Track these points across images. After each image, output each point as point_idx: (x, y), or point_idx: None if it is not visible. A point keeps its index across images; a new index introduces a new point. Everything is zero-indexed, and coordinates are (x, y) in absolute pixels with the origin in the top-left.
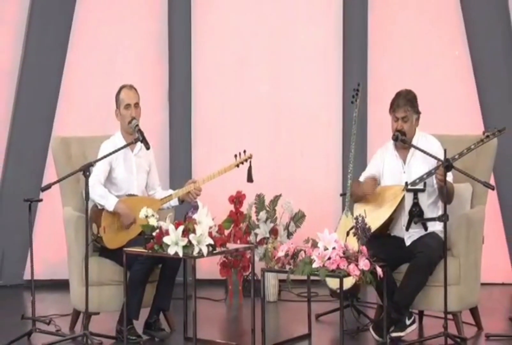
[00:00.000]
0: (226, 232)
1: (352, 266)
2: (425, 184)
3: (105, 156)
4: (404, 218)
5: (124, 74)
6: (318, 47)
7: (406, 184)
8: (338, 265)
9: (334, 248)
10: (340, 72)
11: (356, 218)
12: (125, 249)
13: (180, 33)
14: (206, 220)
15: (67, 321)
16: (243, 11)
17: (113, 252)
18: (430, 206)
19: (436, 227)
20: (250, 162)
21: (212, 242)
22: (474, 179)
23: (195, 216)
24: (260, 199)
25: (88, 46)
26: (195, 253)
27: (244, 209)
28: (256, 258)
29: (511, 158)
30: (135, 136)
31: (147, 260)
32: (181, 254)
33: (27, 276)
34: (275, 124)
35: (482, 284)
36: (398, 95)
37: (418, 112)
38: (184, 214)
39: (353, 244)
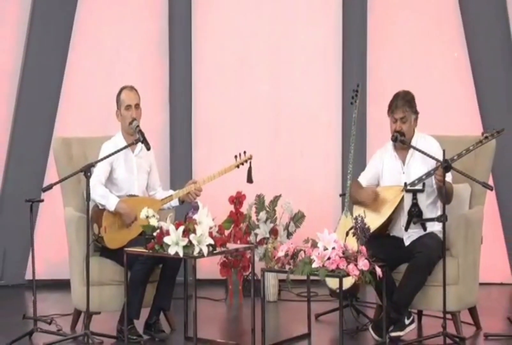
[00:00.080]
0: (226, 232)
1: (351, 266)
2: (424, 184)
3: (106, 157)
4: (403, 218)
5: (125, 75)
6: (318, 48)
7: (405, 184)
8: (337, 265)
9: (333, 248)
10: (339, 73)
11: (356, 218)
12: (126, 249)
13: (180, 34)
14: (206, 220)
15: (68, 320)
16: (243, 12)
17: (114, 252)
18: (429, 206)
19: (435, 227)
20: (250, 163)
21: (212, 242)
22: (472, 179)
23: (195, 216)
24: (260, 199)
25: (89, 47)
26: (195, 253)
27: (244, 209)
28: (256, 258)
29: (509, 159)
30: (136, 137)
31: (147, 260)
32: (181, 254)
33: (28, 276)
34: (275, 124)
35: (481, 284)
36: (396, 96)
37: (416, 113)
38: (185, 214)
39: (353, 244)
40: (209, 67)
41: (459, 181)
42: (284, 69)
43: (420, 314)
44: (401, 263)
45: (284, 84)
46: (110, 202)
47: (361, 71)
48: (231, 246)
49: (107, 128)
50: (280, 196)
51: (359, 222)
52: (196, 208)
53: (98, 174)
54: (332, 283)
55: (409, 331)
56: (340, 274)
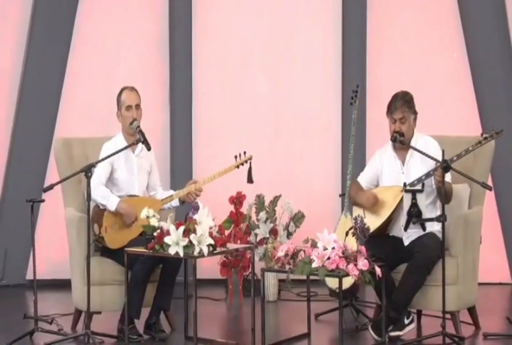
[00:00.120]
0: (227, 232)
1: (351, 266)
2: (423, 184)
3: (106, 157)
4: (402, 218)
5: (125, 76)
6: (317, 49)
7: (405, 184)
8: (337, 265)
9: (333, 248)
10: (339, 74)
11: (355, 218)
12: (127, 249)
13: (181, 35)
14: (206, 220)
15: (69, 320)
16: (244, 14)
17: (115, 252)
18: (428, 206)
19: (434, 227)
20: (250, 163)
21: (212, 242)
22: (471, 179)
23: (195, 216)
24: (260, 199)
25: (89, 48)
26: (195, 253)
27: (244, 209)
28: (256, 258)
29: (508, 160)
30: (136, 137)
31: (148, 260)
32: (181, 254)
33: (29, 275)
34: (275, 125)
35: (480, 284)
36: (395, 97)
37: (415, 113)
38: (185, 214)
39: (352, 244)
40: (209, 68)
41: (458, 181)
42: (284, 70)
43: (419, 313)
44: (401, 263)
45: (284, 85)
46: (111, 202)
47: (360, 72)
48: (231, 246)
49: (107, 128)
50: (280, 196)
51: (358, 222)
52: (196, 208)
53: (99, 174)
54: (332, 282)
55: (409, 330)
56: (339, 274)
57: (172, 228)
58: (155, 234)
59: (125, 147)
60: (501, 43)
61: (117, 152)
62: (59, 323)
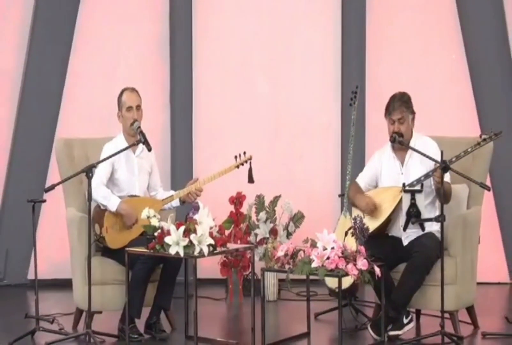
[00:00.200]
0: (227, 232)
1: (350, 266)
2: (422, 185)
3: (107, 158)
4: (401, 218)
5: (126, 76)
6: (317, 50)
7: (404, 185)
8: (336, 265)
9: (332, 248)
10: (338, 75)
11: (354, 219)
12: (127, 248)
13: (181, 35)
14: (206, 220)
15: (70, 319)
16: (244, 14)
17: (115, 252)
18: (427, 206)
19: (433, 227)
20: (250, 163)
21: (212, 242)
22: (470, 179)
23: (196, 217)
24: (260, 199)
25: (90, 48)
26: (196, 252)
27: (244, 209)
28: (256, 258)
29: (507, 160)
30: (137, 138)
31: (148, 260)
32: (182, 254)
33: (30, 275)
34: (275, 125)
35: (478, 284)
36: (393, 98)
37: (413, 113)
38: (185, 214)
39: (352, 244)
40: (209, 68)
41: (457, 182)
42: (284, 71)
43: (418, 313)
44: (400, 263)
45: (284, 85)
46: (112, 202)
47: (359, 72)
48: (231, 246)
49: (108, 129)
50: (280, 196)
51: (358, 222)
52: (196, 208)
53: (100, 174)
54: (331, 282)
55: (408, 330)
56: (339, 274)
57: (172, 228)
58: (155, 234)
59: (126, 148)
60: (500, 44)
61: (118, 152)
62: (60, 323)
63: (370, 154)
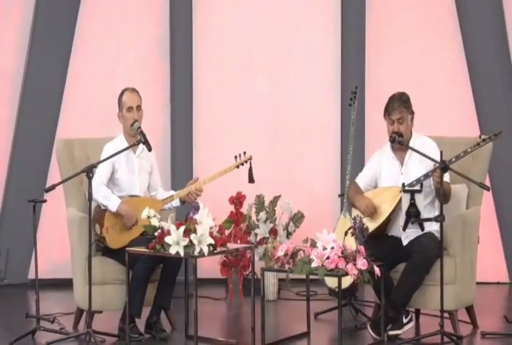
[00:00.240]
0: (227, 232)
1: (350, 265)
2: (421, 185)
3: (107, 158)
4: (401, 218)
5: (127, 77)
6: (316, 50)
7: (403, 185)
8: (336, 265)
9: (332, 248)
10: (338, 75)
11: (354, 218)
12: (128, 248)
13: (181, 35)
14: (207, 220)
15: (70, 319)
16: (244, 14)
17: (116, 252)
18: (426, 206)
19: (432, 227)
20: (250, 163)
21: (212, 242)
22: (469, 179)
23: (196, 216)
24: (260, 199)
25: (91, 49)
26: (196, 252)
27: (244, 209)
28: (256, 258)
29: (506, 160)
30: (137, 138)
31: (149, 260)
32: (182, 254)
33: (31, 275)
34: (275, 125)
35: (478, 283)
36: (392, 98)
37: (412, 113)
38: (185, 214)
39: (351, 243)
40: (209, 69)
41: (456, 182)
42: (284, 71)
43: (417, 312)
44: (399, 263)
45: (284, 86)
46: (112, 202)
47: (359, 73)
48: (231, 245)
49: (109, 129)
50: (279, 196)
51: (357, 222)
52: (196, 208)
53: (100, 174)
54: (331, 282)
55: (407, 329)
56: (339, 273)
57: (172, 227)
58: (156, 233)
59: (126, 148)
60: (499, 44)
61: (118, 153)
62: (61, 322)
63: (369, 154)
